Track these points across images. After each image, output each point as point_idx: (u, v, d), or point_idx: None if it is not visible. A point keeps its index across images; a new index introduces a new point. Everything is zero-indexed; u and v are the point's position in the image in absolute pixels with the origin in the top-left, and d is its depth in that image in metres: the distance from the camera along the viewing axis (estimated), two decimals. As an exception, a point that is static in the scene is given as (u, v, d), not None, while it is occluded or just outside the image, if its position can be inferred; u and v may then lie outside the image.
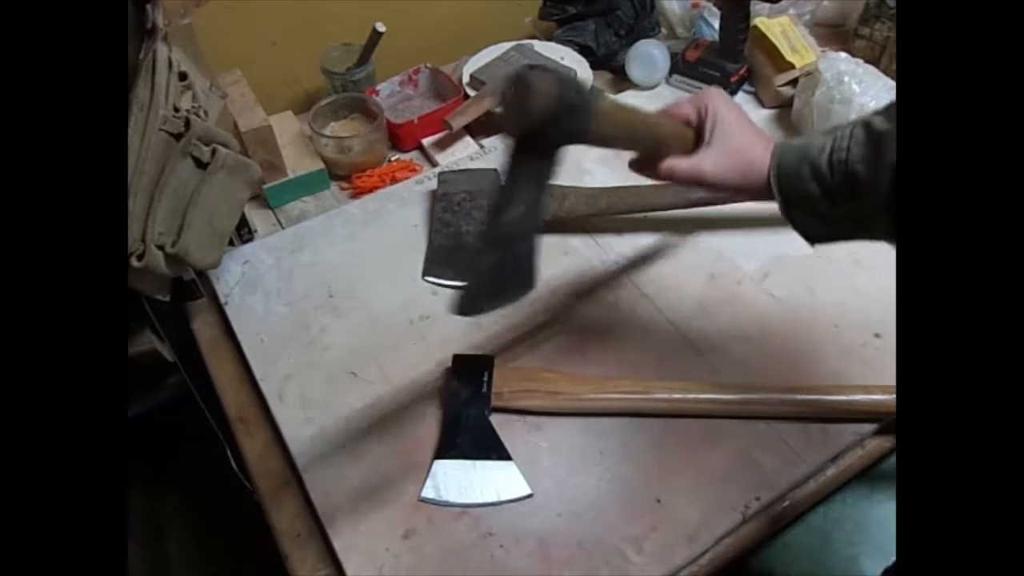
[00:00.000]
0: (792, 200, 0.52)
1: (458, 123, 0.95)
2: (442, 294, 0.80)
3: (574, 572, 0.59)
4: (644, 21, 1.11)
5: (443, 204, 0.87)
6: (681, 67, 1.05)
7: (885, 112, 0.49)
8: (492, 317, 0.78)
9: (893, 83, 0.90)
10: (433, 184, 0.90)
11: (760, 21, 1.02)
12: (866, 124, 0.49)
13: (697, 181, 0.56)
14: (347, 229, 0.88)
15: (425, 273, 0.82)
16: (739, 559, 0.63)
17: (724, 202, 0.80)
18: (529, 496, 0.63)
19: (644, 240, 0.85)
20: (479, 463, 0.64)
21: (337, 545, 0.60)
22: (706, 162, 0.55)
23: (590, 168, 0.93)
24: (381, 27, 0.96)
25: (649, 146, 0.56)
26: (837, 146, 0.50)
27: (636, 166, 0.59)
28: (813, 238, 0.55)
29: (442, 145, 0.99)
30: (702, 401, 0.67)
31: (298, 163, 0.93)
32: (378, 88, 1.01)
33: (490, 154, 0.97)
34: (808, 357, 0.73)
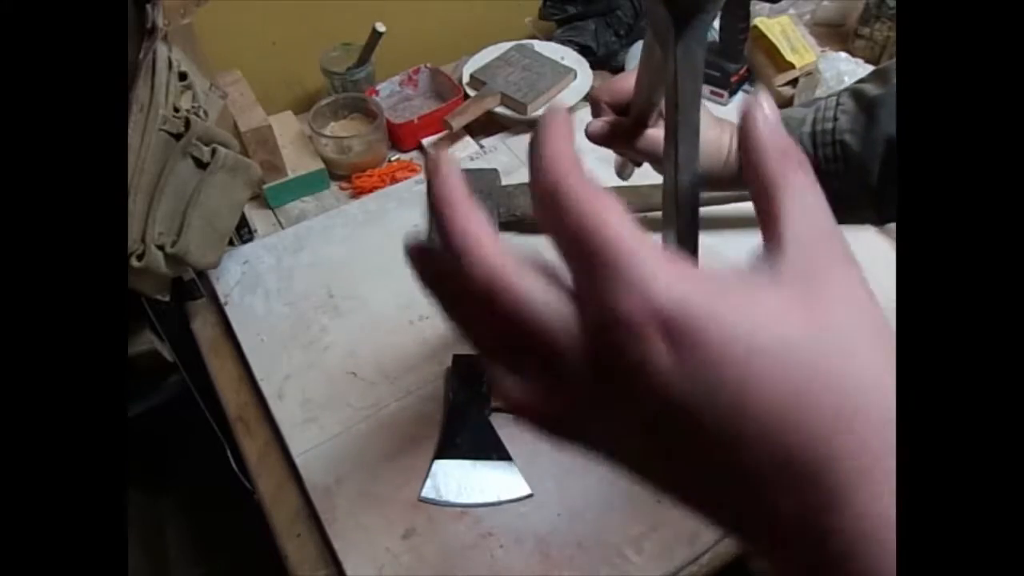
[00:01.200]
0: None
1: (458, 123, 0.95)
2: (442, 294, 0.80)
3: (574, 572, 0.59)
4: (644, 21, 1.11)
5: (443, 204, 0.87)
6: (681, 67, 1.05)
7: (874, 77, 0.45)
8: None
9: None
10: (433, 184, 0.90)
11: (760, 21, 1.02)
12: (854, 92, 0.45)
13: (660, 157, 0.48)
14: (347, 229, 0.88)
15: (425, 273, 0.82)
16: (739, 559, 0.63)
17: (724, 201, 0.80)
18: (529, 496, 0.63)
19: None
20: (479, 463, 0.64)
21: (337, 545, 0.60)
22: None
23: (589, 168, 0.93)
24: (381, 27, 0.96)
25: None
26: (821, 116, 0.45)
27: (614, 136, 0.50)
28: None
29: (442, 145, 0.99)
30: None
31: (298, 163, 0.93)
32: (378, 88, 1.01)
33: (490, 154, 0.97)
34: (808, 357, 0.73)
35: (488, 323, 0.23)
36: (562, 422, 0.24)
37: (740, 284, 0.21)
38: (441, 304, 0.25)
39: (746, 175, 0.24)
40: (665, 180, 0.38)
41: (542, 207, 0.22)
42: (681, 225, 0.36)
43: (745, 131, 0.24)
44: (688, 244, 0.35)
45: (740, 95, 1.06)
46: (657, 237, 0.31)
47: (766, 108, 0.24)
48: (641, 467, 0.23)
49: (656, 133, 0.49)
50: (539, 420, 0.24)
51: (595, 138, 0.50)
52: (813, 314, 0.20)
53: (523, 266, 0.22)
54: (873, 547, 0.19)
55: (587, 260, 0.21)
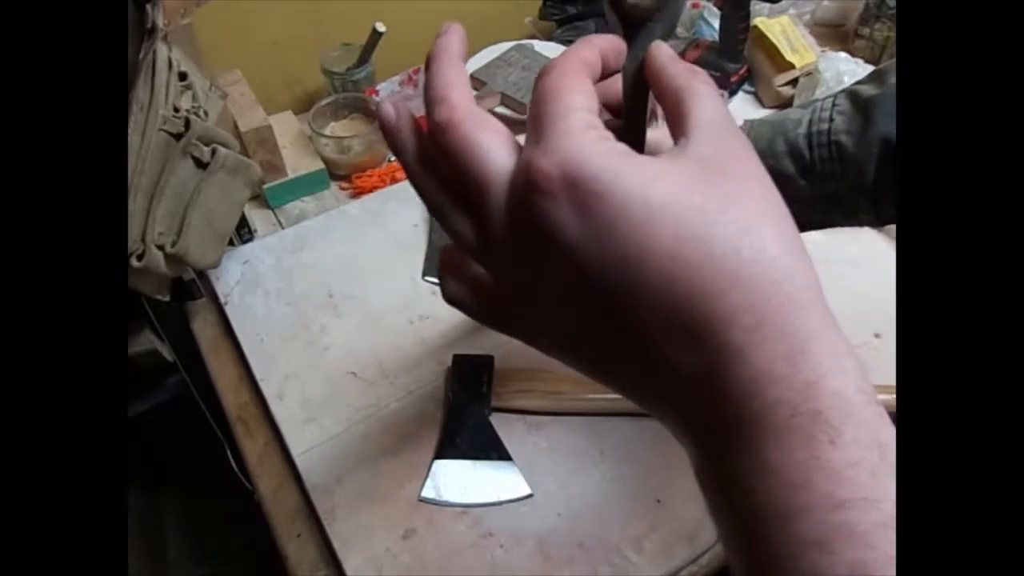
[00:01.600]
0: None
1: (458, 123, 0.95)
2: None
3: (574, 572, 0.59)
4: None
5: (443, 204, 0.87)
6: (681, 67, 1.05)
7: (871, 79, 0.45)
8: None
9: (893, 83, 0.90)
10: (433, 184, 0.90)
11: (760, 21, 1.02)
12: (851, 92, 0.45)
13: None
14: (347, 229, 0.88)
15: (425, 273, 0.82)
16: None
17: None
18: (529, 496, 0.63)
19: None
20: (479, 463, 0.64)
21: (337, 545, 0.60)
22: (663, 140, 0.47)
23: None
24: (381, 27, 0.97)
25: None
26: (817, 117, 0.46)
27: None
28: None
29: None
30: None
31: (298, 163, 0.93)
32: (378, 88, 1.01)
33: (490, 154, 0.97)
34: (808, 357, 0.73)
35: (439, 165, 0.25)
36: (486, 296, 0.26)
37: (649, 157, 0.22)
38: (401, 152, 0.27)
39: (658, 98, 0.26)
40: None
41: (537, 78, 0.25)
42: None
43: (650, 64, 0.26)
44: None
45: (740, 95, 1.06)
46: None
47: (664, 47, 0.27)
48: (556, 339, 0.25)
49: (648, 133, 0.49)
50: (467, 296, 0.27)
51: None
52: (713, 186, 0.22)
53: (486, 120, 0.24)
54: (770, 399, 0.20)
55: (532, 121, 0.23)
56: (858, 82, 0.46)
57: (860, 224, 0.48)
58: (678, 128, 0.24)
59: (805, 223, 0.50)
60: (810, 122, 0.46)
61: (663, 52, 0.26)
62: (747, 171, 0.23)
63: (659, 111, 0.49)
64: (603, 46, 0.26)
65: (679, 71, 0.25)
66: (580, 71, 0.25)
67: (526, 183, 0.22)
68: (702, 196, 0.21)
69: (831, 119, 0.45)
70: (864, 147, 0.43)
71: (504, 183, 0.23)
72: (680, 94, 0.25)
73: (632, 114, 0.30)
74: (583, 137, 0.22)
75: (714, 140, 0.23)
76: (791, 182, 0.46)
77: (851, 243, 0.79)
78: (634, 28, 0.29)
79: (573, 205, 0.21)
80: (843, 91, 0.46)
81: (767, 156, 0.47)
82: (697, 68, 0.25)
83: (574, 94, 0.23)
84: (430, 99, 0.25)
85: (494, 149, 0.24)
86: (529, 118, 0.24)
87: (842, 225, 0.49)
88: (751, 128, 0.49)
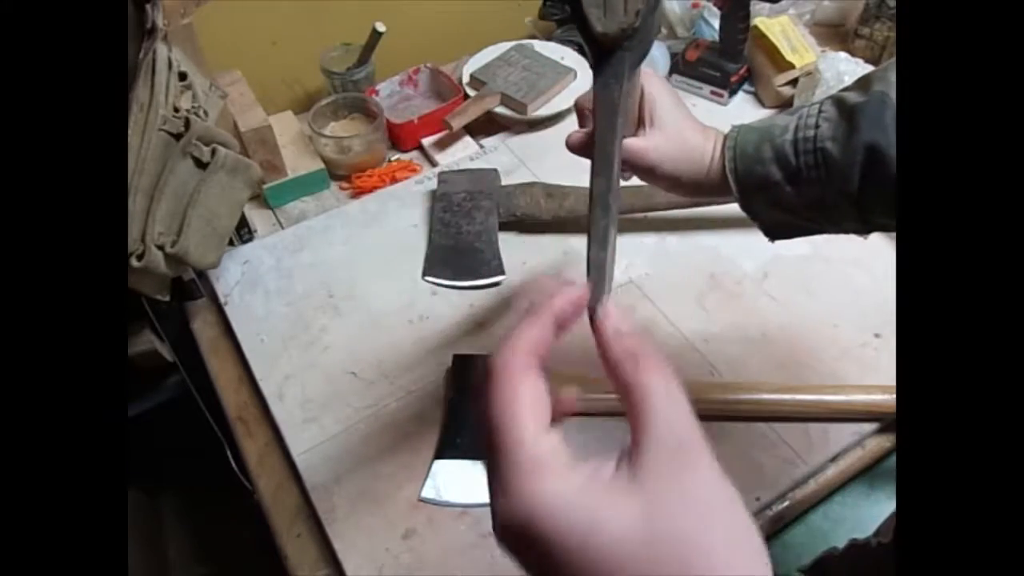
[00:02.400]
0: (750, 187, 0.47)
1: (458, 123, 0.95)
2: (442, 294, 0.80)
3: (574, 572, 0.59)
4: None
5: (443, 204, 0.87)
6: (681, 67, 1.05)
7: (856, 86, 0.45)
8: (492, 317, 0.78)
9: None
10: (433, 184, 0.90)
11: (760, 21, 1.02)
12: (837, 99, 0.45)
13: (644, 166, 0.49)
14: (347, 229, 0.88)
15: (425, 273, 0.82)
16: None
17: (723, 201, 0.80)
18: (529, 496, 0.63)
19: (644, 240, 0.85)
20: (479, 463, 0.64)
21: (337, 545, 0.60)
22: (651, 148, 0.49)
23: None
24: (381, 27, 0.97)
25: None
26: (803, 124, 0.45)
27: (582, 146, 0.50)
28: (774, 231, 0.50)
29: (442, 145, 0.99)
30: (702, 401, 0.67)
31: (298, 163, 0.93)
32: (378, 88, 1.01)
33: (490, 154, 0.97)
34: (808, 357, 0.73)
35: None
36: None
37: (597, 492, 0.25)
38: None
39: (609, 379, 0.29)
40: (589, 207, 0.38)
41: (485, 380, 0.28)
42: (590, 256, 0.36)
43: (598, 344, 0.29)
44: (594, 275, 0.36)
45: (740, 95, 1.06)
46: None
47: (613, 317, 0.29)
48: None
49: (631, 143, 0.49)
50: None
51: (574, 148, 0.50)
52: (658, 519, 0.24)
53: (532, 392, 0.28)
54: None
55: (487, 449, 0.27)
56: (844, 89, 0.46)
57: (847, 232, 0.48)
58: (633, 431, 0.26)
59: (792, 229, 0.50)
60: (796, 128, 0.46)
61: (611, 327, 0.29)
62: (699, 484, 0.25)
63: (645, 119, 0.49)
64: (555, 308, 0.29)
65: (625, 358, 0.27)
66: (525, 371, 0.27)
67: (497, 525, 0.26)
68: (648, 534, 0.23)
69: (817, 126, 0.45)
70: (849, 154, 0.43)
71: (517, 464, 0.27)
72: (629, 388, 0.27)
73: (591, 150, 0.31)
74: (533, 485, 0.25)
75: (664, 463, 0.25)
76: (778, 188, 0.46)
77: (851, 243, 0.79)
78: (604, 55, 0.29)
79: (532, 552, 0.25)
80: (829, 98, 0.46)
81: (754, 162, 0.47)
82: (639, 348, 0.27)
83: (519, 417, 0.26)
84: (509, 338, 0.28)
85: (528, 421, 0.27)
86: (485, 441, 0.27)
87: (830, 232, 0.49)
88: (738, 134, 0.49)
